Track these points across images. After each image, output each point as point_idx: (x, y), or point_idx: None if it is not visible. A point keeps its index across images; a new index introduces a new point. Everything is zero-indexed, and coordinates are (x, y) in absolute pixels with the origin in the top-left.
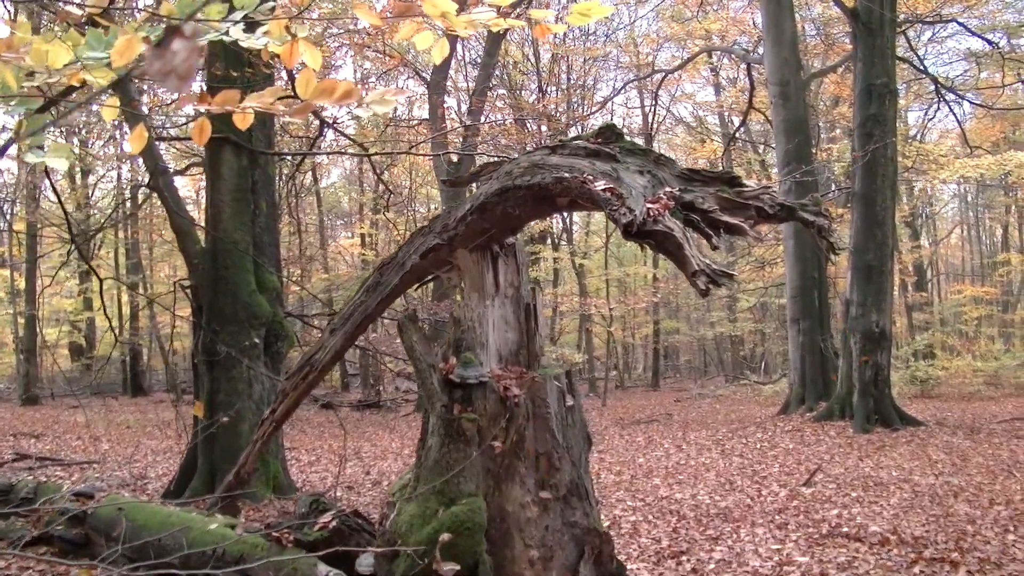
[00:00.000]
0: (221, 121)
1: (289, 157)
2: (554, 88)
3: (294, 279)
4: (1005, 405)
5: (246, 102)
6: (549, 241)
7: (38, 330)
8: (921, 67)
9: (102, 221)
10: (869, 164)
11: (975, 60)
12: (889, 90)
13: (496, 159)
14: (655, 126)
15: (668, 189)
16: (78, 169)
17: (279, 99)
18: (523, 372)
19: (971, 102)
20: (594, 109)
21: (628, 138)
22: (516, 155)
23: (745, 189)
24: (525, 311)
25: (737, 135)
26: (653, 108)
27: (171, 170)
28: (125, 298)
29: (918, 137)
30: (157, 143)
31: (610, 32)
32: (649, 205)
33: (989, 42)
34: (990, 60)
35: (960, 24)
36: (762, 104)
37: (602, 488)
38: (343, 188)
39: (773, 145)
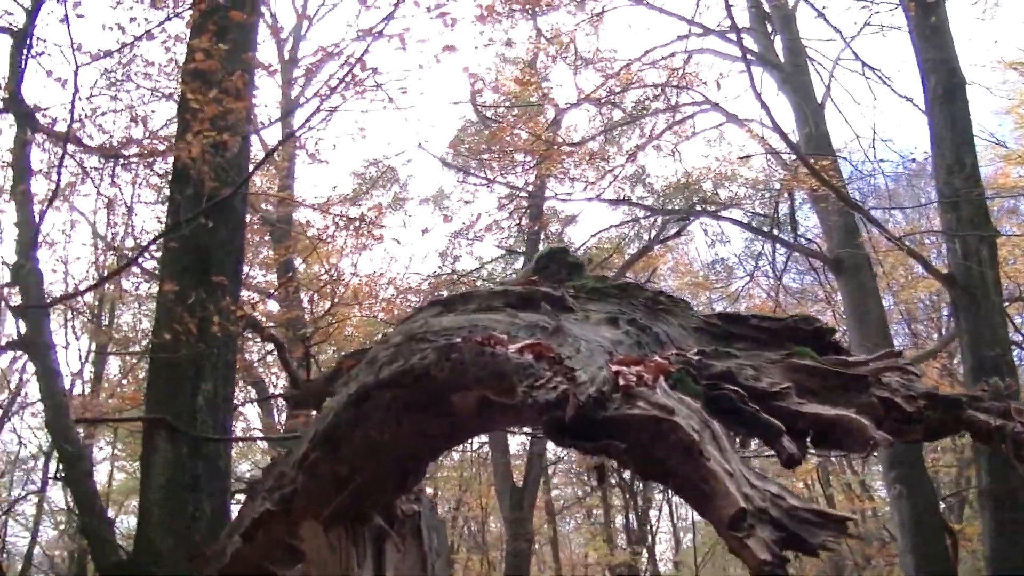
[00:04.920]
0: (159, 400)
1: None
2: None
3: None
4: None
5: None
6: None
7: None
8: None
9: None
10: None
11: None
12: (1006, 361)
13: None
14: None
15: (675, 351)
16: None
17: None
18: None
19: None
20: None
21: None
22: None
23: (850, 358)
24: None
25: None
26: None
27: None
28: None
29: None
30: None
31: None
32: (618, 368)
33: None
34: None
35: None
36: None
37: None
38: None
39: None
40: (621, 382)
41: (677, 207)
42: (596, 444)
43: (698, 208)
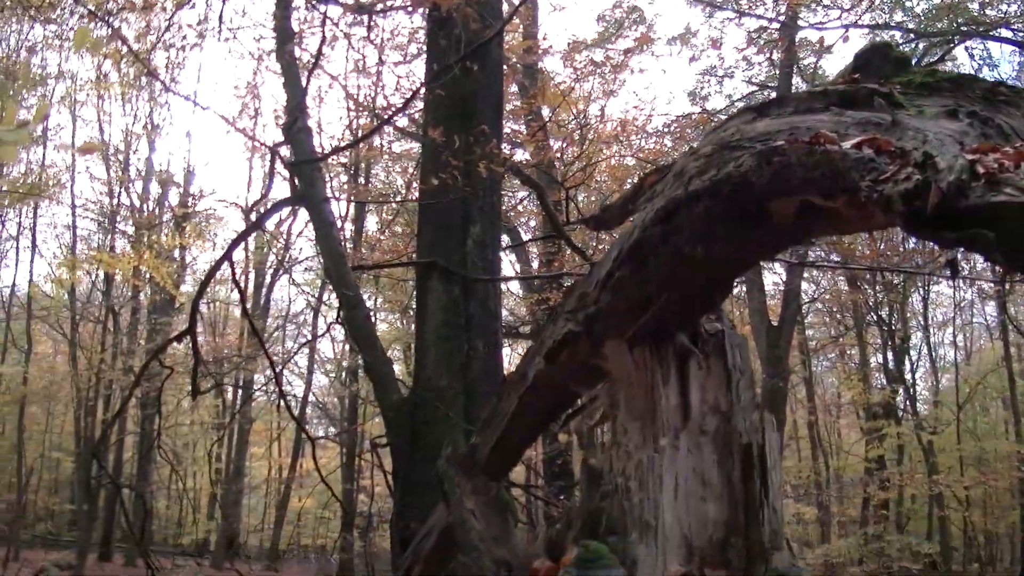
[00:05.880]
0: (430, 245)
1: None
2: None
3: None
4: None
5: None
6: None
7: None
8: None
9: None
10: None
11: None
12: None
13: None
14: None
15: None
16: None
17: None
18: None
19: None
20: None
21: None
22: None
23: None
24: (743, 460)
25: None
26: None
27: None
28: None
29: None
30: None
31: None
32: (975, 156)
33: None
34: None
35: None
36: None
37: None
38: None
39: None
40: (980, 169)
41: (940, 29)
42: (963, 234)
43: (964, 29)
